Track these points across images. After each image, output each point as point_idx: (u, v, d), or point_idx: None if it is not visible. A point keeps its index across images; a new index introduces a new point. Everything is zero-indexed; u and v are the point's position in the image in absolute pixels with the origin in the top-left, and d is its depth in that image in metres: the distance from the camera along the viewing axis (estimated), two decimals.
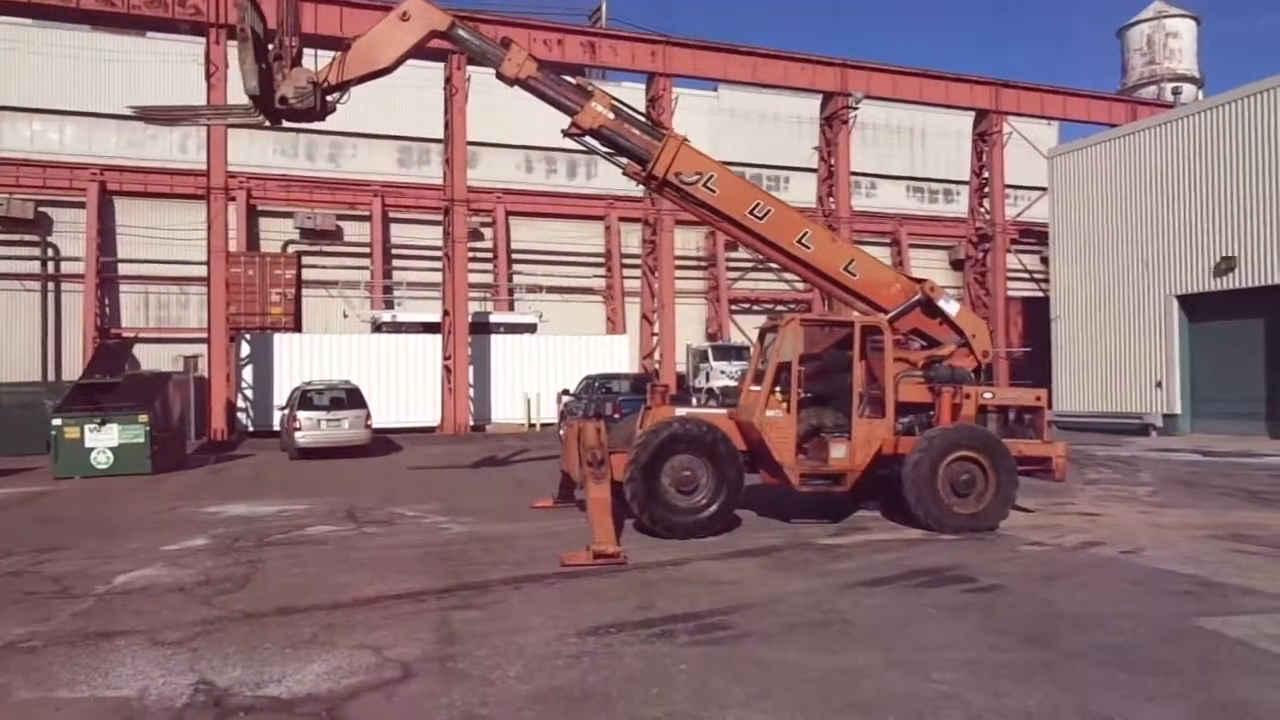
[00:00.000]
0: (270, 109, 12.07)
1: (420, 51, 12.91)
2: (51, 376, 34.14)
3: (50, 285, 36.27)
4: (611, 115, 12.28)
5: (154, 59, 36.03)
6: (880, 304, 12.50)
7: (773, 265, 44.43)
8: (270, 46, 11.99)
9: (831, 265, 12.56)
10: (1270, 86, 24.61)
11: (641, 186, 12.88)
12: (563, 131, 12.67)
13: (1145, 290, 28.07)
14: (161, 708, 5.29)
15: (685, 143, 12.32)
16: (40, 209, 35.62)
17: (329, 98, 12.14)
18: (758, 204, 12.43)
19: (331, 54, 12.33)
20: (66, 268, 36.18)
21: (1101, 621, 7.00)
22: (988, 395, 11.77)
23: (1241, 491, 14.76)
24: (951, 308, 12.55)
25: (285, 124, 13.09)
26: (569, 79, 12.97)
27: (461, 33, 12.46)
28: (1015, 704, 5.22)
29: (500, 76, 12.51)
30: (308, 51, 12.28)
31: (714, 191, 12.33)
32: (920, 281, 12.83)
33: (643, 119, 12.53)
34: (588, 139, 12.59)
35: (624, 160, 12.64)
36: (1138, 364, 28.22)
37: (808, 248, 12.44)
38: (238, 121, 13.52)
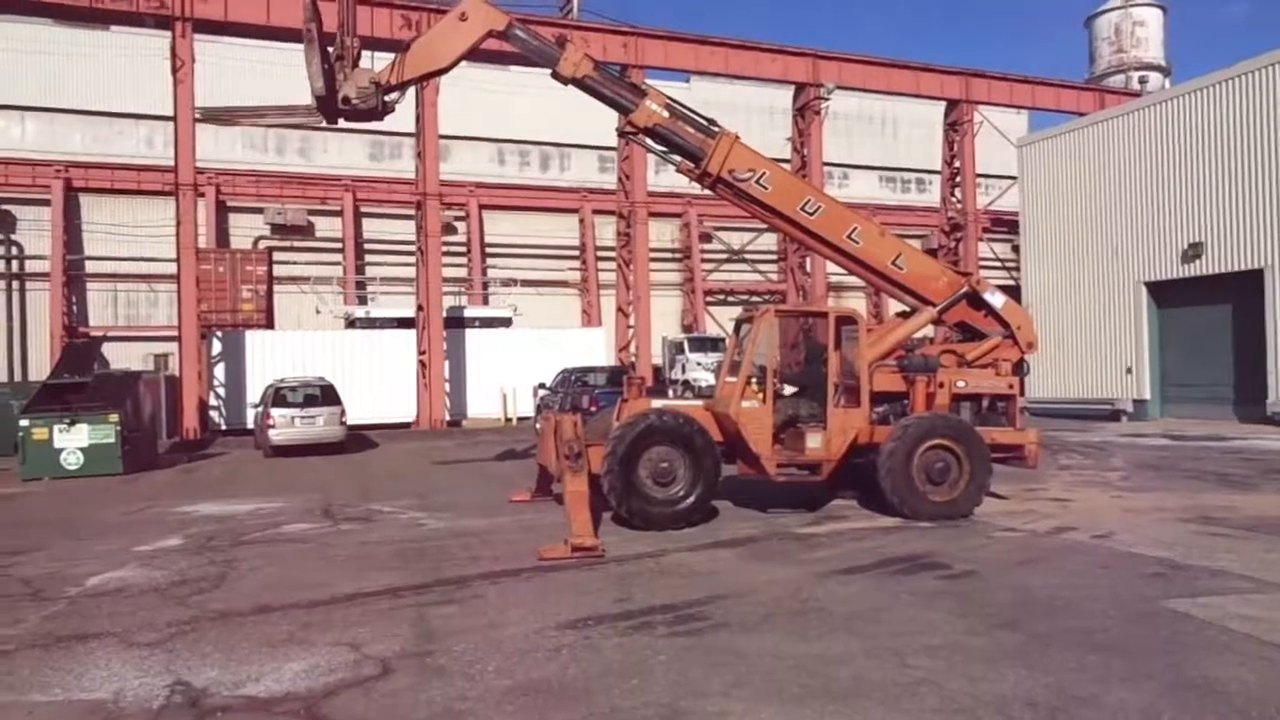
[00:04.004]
0: (332, 109, 12.08)
1: (476, 52, 12.81)
2: (18, 377, 33.66)
3: (15, 284, 35.76)
4: (666, 114, 12.32)
5: (118, 54, 35.58)
6: (927, 297, 12.63)
7: (747, 256, 44.69)
8: (331, 48, 11.99)
9: (880, 259, 12.64)
10: (1236, 74, 24.93)
11: (696, 183, 12.88)
12: (617, 130, 12.75)
13: (1114, 277, 28.40)
14: (138, 709, 5.24)
15: (738, 140, 12.38)
16: (3, 207, 35.11)
17: (388, 98, 12.15)
18: (809, 200, 12.54)
19: (371, 53, 12.32)
20: (32, 266, 35.69)
21: (1073, 605, 7.08)
22: (961, 384, 11.87)
23: (1210, 475, 14.99)
24: (997, 300, 12.68)
25: (343, 124, 13.04)
26: (622, 76, 12.95)
27: (519, 32, 12.44)
28: (990, 688, 5.28)
29: (556, 76, 12.47)
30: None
31: (767, 189, 12.39)
32: (966, 274, 13.03)
33: (696, 116, 12.53)
34: (641, 137, 12.65)
35: (677, 158, 12.68)
36: (1108, 350, 28.55)
37: (857, 243, 12.55)
38: (300, 122, 13.50)
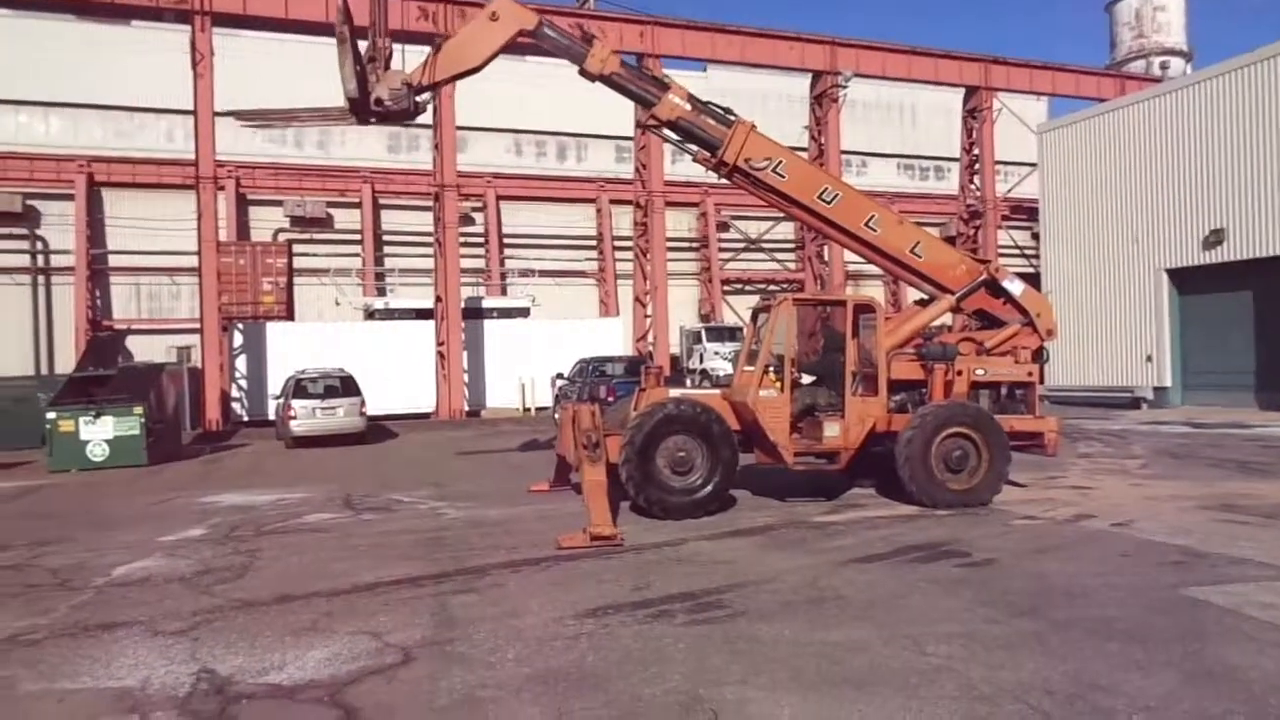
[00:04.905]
0: (365, 110, 12.18)
1: (509, 48, 12.89)
2: (44, 370, 34.04)
3: (40, 278, 36.12)
4: (689, 106, 12.36)
5: (139, 48, 35.78)
6: (946, 285, 12.61)
7: (764, 245, 44.61)
8: (364, 40, 12.12)
9: (898, 247, 12.64)
10: (1257, 60, 24.64)
11: (713, 173, 12.91)
12: (639, 123, 12.82)
13: (1135, 264, 28.16)
14: (164, 697, 5.33)
15: (754, 129, 12.38)
16: (28, 201, 35.44)
17: (419, 98, 12.26)
18: (826, 188, 12.53)
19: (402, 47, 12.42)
20: (56, 260, 36.02)
21: (1093, 593, 7.08)
22: (980, 371, 11.84)
23: (1231, 462, 14.89)
24: (1016, 287, 12.65)
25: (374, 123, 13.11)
26: (645, 71, 13.00)
27: (548, 31, 12.51)
28: (1009, 675, 5.29)
29: (583, 73, 12.54)
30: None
31: (783, 177, 12.40)
32: (985, 262, 13.02)
33: (713, 106, 12.57)
34: (662, 129, 12.72)
35: (693, 148, 12.71)
36: (1128, 338, 28.34)
37: (875, 231, 12.54)
38: (334, 123, 13.67)
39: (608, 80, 12.49)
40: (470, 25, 12.59)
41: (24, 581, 8.55)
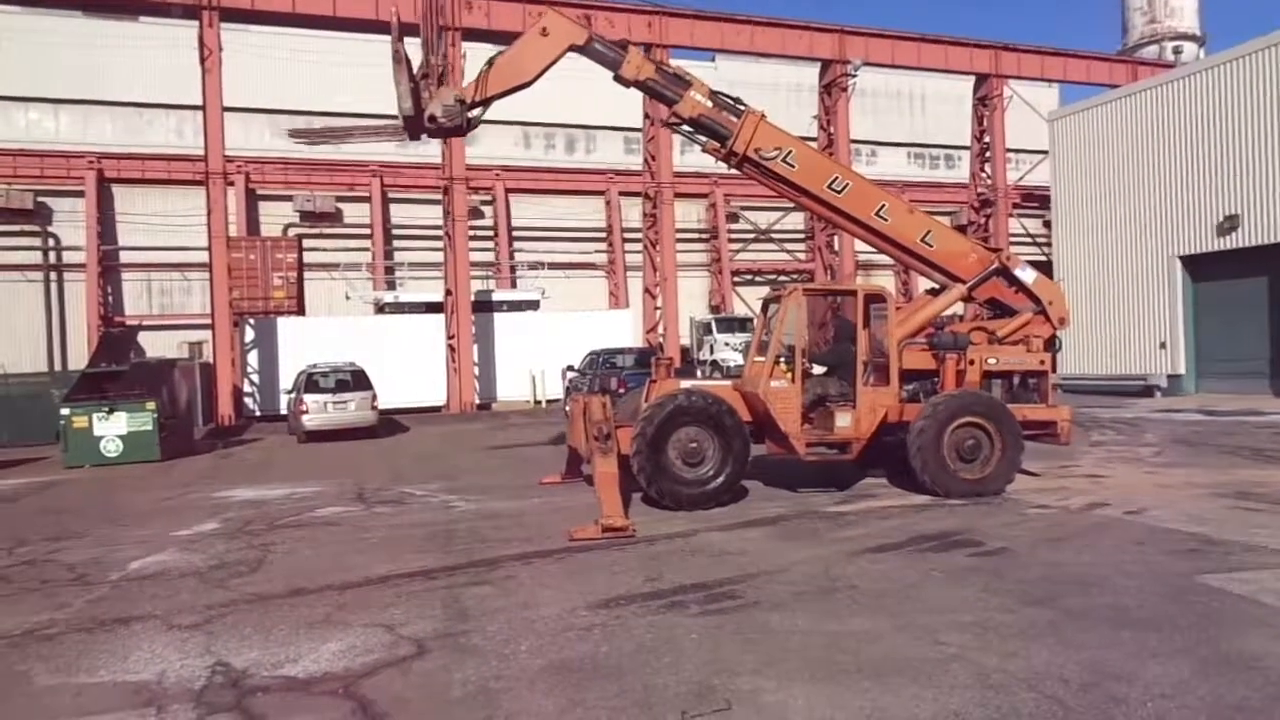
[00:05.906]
0: (417, 127, 12.29)
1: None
2: (57, 366, 34.25)
3: (52, 275, 36.32)
4: (710, 104, 12.38)
5: (147, 44, 35.86)
6: (957, 273, 12.59)
7: (774, 236, 44.49)
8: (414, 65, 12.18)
9: (908, 236, 12.61)
10: (1271, 44, 24.40)
11: (723, 163, 12.92)
12: (662, 121, 12.75)
13: (1148, 251, 27.98)
14: (180, 689, 5.36)
15: (764, 119, 12.37)
16: (39, 199, 35.60)
17: (471, 114, 12.31)
18: (836, 178, 12.52)
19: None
20: (68, 257, 36.20)
21: (1107, 581, 7.05)
22: (992, 361, 11.80)
23: (1245, 450, 14.80)
24: (1028, 275, 12.61)
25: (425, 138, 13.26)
26: (668, 69, 13.04)
27: (596, 45, 12.57)
28: (1022, 664, 5.28)
29: (618, 79, 12.61)
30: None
31: (793, 167, 12.38)
32: (996, 250, 13.00)
33: (729, 100, 12.57)
34: (682, 125, 12.78)
35: (703, 139, 12.73)
36: (1141, 325, 28.17)
37: (885, 220, 12.52)
38: (388, 139, 13.79)
39: (642, 85, 12.58)
40: (522, 41, 12.62)
41: (40, 576, 8.62)
